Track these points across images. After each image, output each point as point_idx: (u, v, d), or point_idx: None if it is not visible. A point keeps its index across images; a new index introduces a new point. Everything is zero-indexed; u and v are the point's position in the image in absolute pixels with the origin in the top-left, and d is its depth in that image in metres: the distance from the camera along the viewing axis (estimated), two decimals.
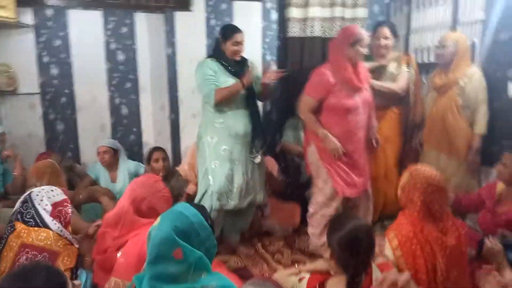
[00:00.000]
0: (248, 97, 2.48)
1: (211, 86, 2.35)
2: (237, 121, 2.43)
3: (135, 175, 3.02)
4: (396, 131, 2.91)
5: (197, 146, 2.52)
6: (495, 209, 1.98)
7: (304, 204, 2.99)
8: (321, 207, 2.43)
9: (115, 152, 3.05)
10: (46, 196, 1.74)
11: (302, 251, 2.65)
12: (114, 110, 3.32)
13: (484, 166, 2.60)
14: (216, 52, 2.48)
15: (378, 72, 2.82)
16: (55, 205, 1.74)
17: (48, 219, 1.69)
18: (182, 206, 1.39)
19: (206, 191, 2.42)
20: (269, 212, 2.88)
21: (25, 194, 1.77)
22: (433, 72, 2.77)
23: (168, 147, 3.37)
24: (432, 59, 3.17)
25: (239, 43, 2.43)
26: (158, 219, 1.37)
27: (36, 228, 1.66)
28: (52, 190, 1.80)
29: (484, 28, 2.63)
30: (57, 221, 1.72)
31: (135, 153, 3.37)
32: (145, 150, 3.35)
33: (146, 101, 3.37)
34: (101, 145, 3.04)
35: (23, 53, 3.03)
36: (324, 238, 2.41)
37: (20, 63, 3.02)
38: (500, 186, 2.06)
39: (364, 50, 2.33)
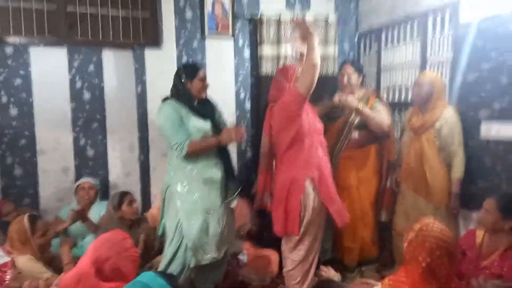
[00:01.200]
0: None
1: (182, 136, 2.20)
2: (209, 166, 2.28)
3: None
4: (371, 171, 2.84)
5: (164, 197, 2.32)
6: (478, 261, 1.88)
7: (280, 249, 2.87)
8: (304, 257, 2.27)
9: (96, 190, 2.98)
10: None
11: None
12: (79, 152, 3.12)
13: (461, 209, 2.57)
14: (179, 93, 2.31)
15: (345, 111, 2.77)
16: None
17: None
18: (148, 277, 1.25)
19: (179, 248, 2.22)
20: (245, 260, 2.72)
21: None
22: (409, 111, 2.74)
23: (137, 190, 3.19)
24: (403, 98, 3.21)
25: (204, 80, 2.34)
26: None
27: None
28: None
29: (453, 68, 2.68)
30: None
31: (101, 197, 3.16)
32: (112, 193, 3.16)
33: (114, 141, 3.20)
34: (85, 181, 2.95)
35: None
36: (305, 286, 2.29)
37: None
38: (480, 234, 1.97)
39: None
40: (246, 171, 3.44)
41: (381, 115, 2.69)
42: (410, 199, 2.61)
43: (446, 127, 2.44)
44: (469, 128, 2.52)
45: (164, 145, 3.13)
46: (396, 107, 3.27)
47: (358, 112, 2.66)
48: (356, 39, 3.74)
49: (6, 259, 1.64)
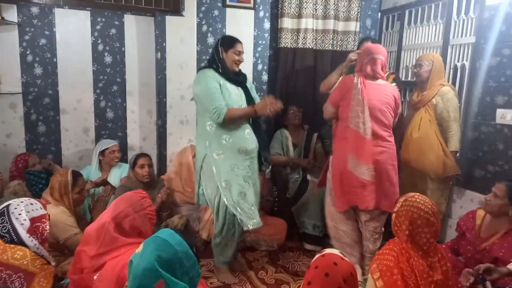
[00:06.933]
0: None
1: (220, 103, 2.25)
2: (243, 137, 2.36)
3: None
4: None
5: (199, 166, 2.39)
6: (476, 242, 1.95)
7: (290, 219, 2.98)
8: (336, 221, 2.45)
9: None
10: (24, 211, 1.63)
11: (285, 268, 2.61)
12: (99, 113, 3.23)
13: (469, 190, 2.64)
14: (215, 62, 2.37)
15: None
16: (33, 220, 1.64)
17: (24, 235, 1.59)
18: (166, 234, 1.34)
19: (225, 220, 2.34)
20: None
21: (3, 206, 1.66)
22: (413, 91, 2.87)
23: (153, 154, 3.31)
24: None
25: (240, 53, 2.40)
26: (141, 246, 1.32)
27: (12, 246, 1.57)
28: (31, 204, 1.68)
29: (474, 51, 2.64)
30: (34, 237, 1.62)
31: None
32: (130, 155, 3.28)
33: (133, 105, 3.29)
34: (114, 144, 3.03)
35: (6, 51, 2.92)
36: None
37: (3, 61, 2.91)
38: (479, 215, 2.02)
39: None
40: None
41: None
42: (407, 171, 2.69)
43: (442, 104, 2.60)
44: (485, 112, 2.53)
45: (182, 112, 3.26)
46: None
47: None
48: (379, 16, 3.67)
49: (44, 211, 1.70)
